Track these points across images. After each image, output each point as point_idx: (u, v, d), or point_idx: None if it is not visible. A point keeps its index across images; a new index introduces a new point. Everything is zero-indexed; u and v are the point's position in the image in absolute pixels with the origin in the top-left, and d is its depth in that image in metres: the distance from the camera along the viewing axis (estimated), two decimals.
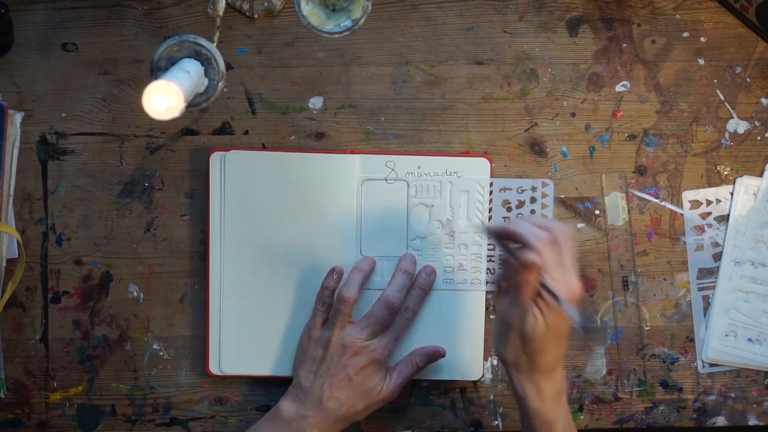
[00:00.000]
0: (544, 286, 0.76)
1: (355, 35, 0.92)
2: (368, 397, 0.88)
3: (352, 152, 0.93)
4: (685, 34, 0.95)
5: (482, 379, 0.94)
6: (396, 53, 0.95)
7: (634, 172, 0.95)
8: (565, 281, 0.76)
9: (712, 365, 0.95)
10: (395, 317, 0.90)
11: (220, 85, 0.77)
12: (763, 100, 0.95)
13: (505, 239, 0.80)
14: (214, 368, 0.93)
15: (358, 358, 0.88)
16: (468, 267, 0.93)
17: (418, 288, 0.91)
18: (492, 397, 0.95)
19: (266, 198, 0.92)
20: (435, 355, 0.92)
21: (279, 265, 0.92)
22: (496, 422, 0.95)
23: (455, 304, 0.93)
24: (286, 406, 0.88)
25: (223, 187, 0.92)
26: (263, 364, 0.93)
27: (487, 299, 0.94)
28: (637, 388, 0.95)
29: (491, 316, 0.94)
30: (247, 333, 0.93)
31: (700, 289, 0.95)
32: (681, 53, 0.95)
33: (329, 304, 0.90)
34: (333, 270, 0.91)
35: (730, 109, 0.95)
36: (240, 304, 0.93)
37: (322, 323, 0.90)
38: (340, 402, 0.87)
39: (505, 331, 0.80)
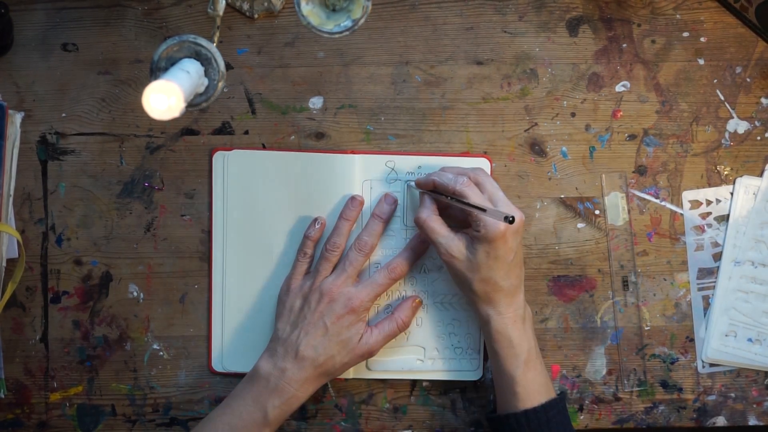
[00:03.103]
0: (470, 206, 0.84)
1: (355, 35, 0.92)
2: (346, 347, 0.88)
3: (352, 152, 0.93)
4: (685, 34, 0.95)
5: (482, 379, 0.94)
6: (396, 53, 0.95)
7: (634, 172, 0.95)
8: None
9: (712, 365, 0.95)
10: (379, 271, 0.90)
11: (220, 85, 0.77)
12: (763, 100, 0.95)
13: (434, 191, 0.88)
14: (216, 365, 0.93)
15: (334, 306, 0.88)
16: None
17: (376, 216, 0.91)
18: (492, 397, 0.95)
19: (267, 197, 0.92)
20: (415, 308, 0.92)
21: (280, 264, 0.92)
22: None
23: (455, 303, 0.93)
24: (263, 363, 0.88)
25: (226, 187, 0.92)
26: None
27: None
28: (637, 388, 0.95)
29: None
30: (249, 331, 0.93)
31: (700, 289, 0.95)
32: (681, 53, 0.95)
33: (311, 255, 0.91)
34: (315, 220, 0.92)
35: (730, 109, 0.95)
36: (242, 302, 0.93)
37: (304, 275, 0.91)
38: (317, 351, 0.87)
39: (457, 267, 0.86)
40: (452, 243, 0.86)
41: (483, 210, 0.82)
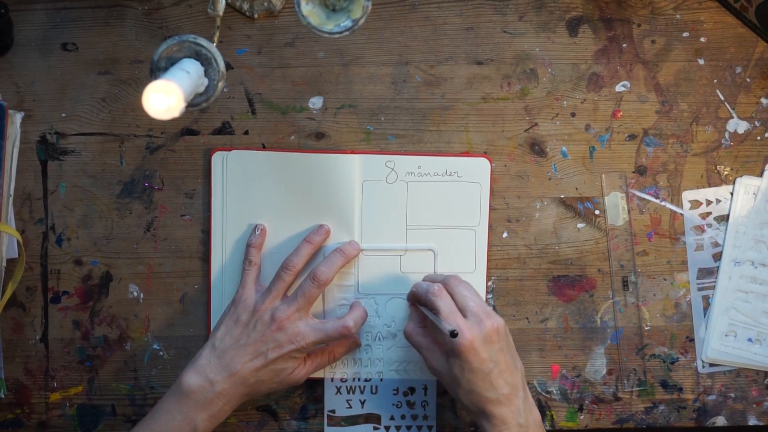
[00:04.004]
0: (436, 318, 0.84)
1: (355, 35, 0.92)
2: (278, 376, 0.88)
3: (352, 152, 0.93)
4: (685, 34, 0.95)
5: None
6: (396, 53, 0.95)
7: (634, 172, 0.95)
8: (456, 325, 0.82)
9: (712, 365, 0.95)
10: (333, 324, 0.89)
11: (220, 85, 0.77)
12: (763, 100, 0.95)
13: (416, 301, 0.89)
14: None
15: (279, 336, 0.86)
16: (466, 260, 0.94)
17: (338, 251, 0.91)
18: None
19: (267, 198, 0.92)
20: (353, 347, 0.93)
21: (278, 265, 0.92)
22: None
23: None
24: (191, 375, 0.86)
25: (225, 187, 0.92)
26: None
27: (487, 299, 0.94)
28: (637, 388, 0.95)
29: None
30: None
31: (700, 289, 0.95)
32: (681, 53, 0.95)
33: (257, 263, 0.91)
34: (255, 227, 0.91)
35: (730, 109, 0.95)
36: None
37: (254, 284, 0.90)
38: (250, 373, 0.86)
39: (442, 380, 0.86)
40: (433, 356, 0.86)
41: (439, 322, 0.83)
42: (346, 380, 0.94)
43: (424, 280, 0.91)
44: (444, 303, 0.84)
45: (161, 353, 0.94)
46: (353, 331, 0.88)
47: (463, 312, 0.84)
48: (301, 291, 0.88)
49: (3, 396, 0.93)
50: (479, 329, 0.82)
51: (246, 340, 0.87)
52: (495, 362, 0.82)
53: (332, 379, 0.94)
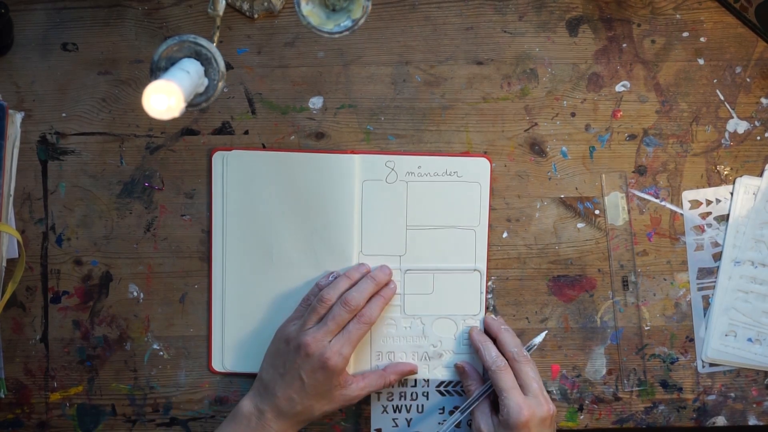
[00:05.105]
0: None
1: (355, 35, 0.92)
2: (325, 398, 0.88)
3: (352, 152, 0.93)
4: (685, 34, 0.95)
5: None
6: (396, 53, 0.95)
7: (634, 172, 0.95)
8: (515, 403, 0.86)
9: (712, 365, 0.95)
10: (352, 321, 0.89)
11: (220, 85, 0.77)
12: (763, 100, 0.95)
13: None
14: (217, 365, 0.93)
15: (310, 360, 0.87)
16: (466, 260, 0.94)
17: (380, 297, 0.91)
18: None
19: (267, 198, 0.92)
20: (408, 373, 0.93)
21: (279, 264, 0.93)
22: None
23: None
24: (246, 402, 0.88)
25: (225, 187, 0.92)
26: None
27: (487, 299, 0.94)
28: (637, 388, 0.95)
29: (493, 316, 0.95)
30: (249, 331, 0.93)
31: (700, 289, 0.95)
32: (681, 53, 0.95)
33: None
34: (330, 274, 0.92)
35: (730, 109, 0.95)
36: (242, 302, 0.93)
37: (298, 318, 0.90)
38: (293, 402, 0.87)
39: None
40: (484, 418, 0.89)
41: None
42: (392, 399, 0.94)
43: (487, 323, 0.93)
44: (506, 378, 0.87)
45: (161, 353, 0.94)
46: (369, 317, 0.89)
47: (524, 390, 0.87)
48: (332, 315, 0.88)
49: (3, 396, 0.93)
50: (538, 409, 0.86)
51: (283, 369, 0.88)
52: None
53: (378, 398, 0.93)
